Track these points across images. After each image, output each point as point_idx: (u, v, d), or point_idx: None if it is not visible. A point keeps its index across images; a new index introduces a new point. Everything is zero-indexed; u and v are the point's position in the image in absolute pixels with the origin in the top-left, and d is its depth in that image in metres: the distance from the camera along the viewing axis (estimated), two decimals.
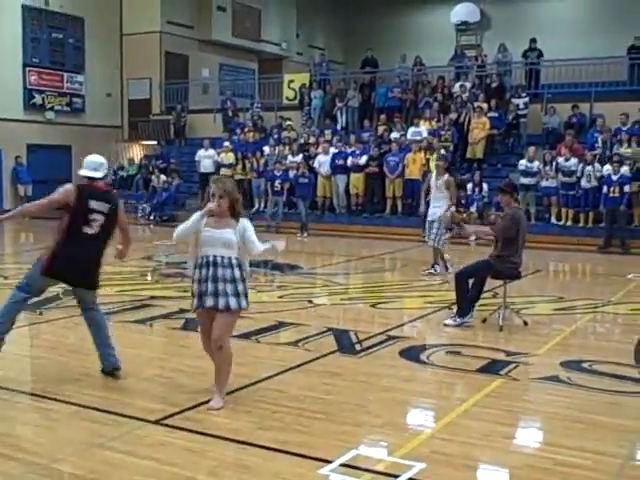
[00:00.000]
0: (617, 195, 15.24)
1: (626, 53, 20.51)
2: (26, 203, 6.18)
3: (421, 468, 4.34)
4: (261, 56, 29.03)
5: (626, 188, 15.22)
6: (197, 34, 26.38)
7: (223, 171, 20.29)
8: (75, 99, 24.52)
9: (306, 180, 18.18)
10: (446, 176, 11.56)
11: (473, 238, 16.00)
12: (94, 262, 5.98)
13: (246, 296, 5.37)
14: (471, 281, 8.09)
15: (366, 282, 11.65)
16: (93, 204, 5.81)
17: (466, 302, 8.01)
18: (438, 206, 11.38)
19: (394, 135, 19.18)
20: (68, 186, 5.89)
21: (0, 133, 21.54)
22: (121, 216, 6.08)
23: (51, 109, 23.74)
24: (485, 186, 17.04)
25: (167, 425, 4.99)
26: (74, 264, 5.80)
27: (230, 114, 23.36)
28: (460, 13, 28.43)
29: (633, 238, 15.46)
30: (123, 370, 6.11)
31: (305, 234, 17.40)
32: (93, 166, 5.99)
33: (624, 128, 17.01)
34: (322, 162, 18.86)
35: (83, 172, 5.98)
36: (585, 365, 6.63)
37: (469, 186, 17.17)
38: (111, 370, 6.01)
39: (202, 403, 5.40)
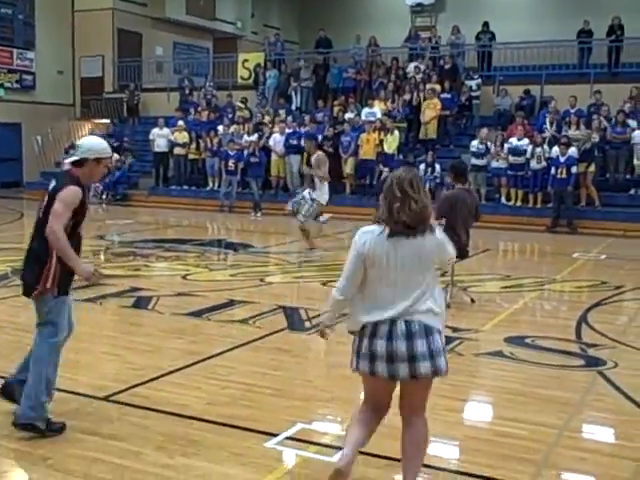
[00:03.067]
0: (564, 176, 15.55)
1: (576, 37, 20.83)
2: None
3: None
4: (216, 35, 28.80)
5: (573, 169, 15.52)
6: (150, 11, 26.04)
7: (177, 150, 20.20)
8: (25, 76, 24.07)
9: (258, 159, 18.19)
10: (316, 154, 11.60)
11: None
12: None
13: None
14: None
15: (319, 261, 11.74)
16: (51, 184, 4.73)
17: None
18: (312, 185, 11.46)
19: (348, 115, 19.24)
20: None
21: None
22: (57, 200, 4.49)
23: (0, 86, 23.28)
24: (437, 167, 17.22)
25: (116, 402, 5.03)
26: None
27: (187, 92, 23.19)
28: None
29: (580, 218, 15.80)
30: (74, 347, 6.09)
31: (258, 213, 17.43)
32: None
33: (572, 110, 17.31)
34: (277, 141, 18.83)
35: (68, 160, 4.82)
36: (528, 341, 6.82)
37: (422, 167, 17.32)
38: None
39: (151, 380, 5.44)
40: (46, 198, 4.57)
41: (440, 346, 3.58)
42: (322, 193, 11.45)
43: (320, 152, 11.82)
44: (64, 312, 4.64)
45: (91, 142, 4.72)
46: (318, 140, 11.86)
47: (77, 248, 4.62)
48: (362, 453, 4.28)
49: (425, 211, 3.53)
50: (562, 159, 15.62)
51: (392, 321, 3.53)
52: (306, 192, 11.54)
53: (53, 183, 4.60)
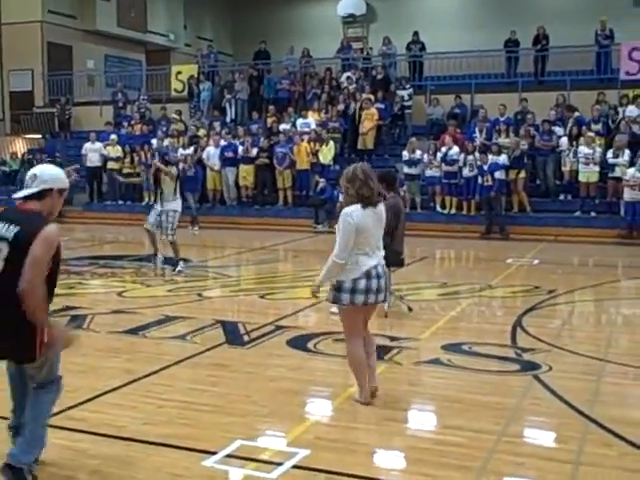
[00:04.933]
0: (490, 183, 15.84)
1: (503, 46, 21.29)
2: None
3: (305, 454, 4.43)
4: (148, 47, 28.50)
5: (497, 175, 15.81)
6: (81, 24, 25.61)
7: (110, 165, 19.90)
8: None
9: (194, 173, 18.02)
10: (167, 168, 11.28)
11: None
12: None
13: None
14: None
15: (257, 274, 11.70)
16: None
17: None
18: (172, 200, 11.17)
19: (283, 126, 19.26)
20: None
21: None
22: (34, 248, 3.77)
23: None
24: None
25: (48, 425, 4.88)
26: None
27: (121, 105, 22.89)
28: (347, 5, 28.68)
29: (512, 224, 16.09)
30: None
31: (196, 227, 17.28)
32: (27, 181, 4.05)
33: (502, 119, 17.65)
34: (212, 154, 18.71)
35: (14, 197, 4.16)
36: (465, 347, 6.89)
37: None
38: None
39: (85, 401, 5.32)
40: (3, 246, 3.79)
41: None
42: (178, 204, 11.26)
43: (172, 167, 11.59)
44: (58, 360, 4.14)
45: (53, 171, 4.09)
46: (164, 156, 12.05)
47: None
48: (302, 468, 4.27)
49: (377, 189, 5.30)
50: (485, 167, 15.93)
51: (375, 266, 5.20)
52: (158, 206, 11.20)
53: (11, 228, 3.82)
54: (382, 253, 5.33)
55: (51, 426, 4.81)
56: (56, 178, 4.05)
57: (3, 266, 3.78)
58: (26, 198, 3.97)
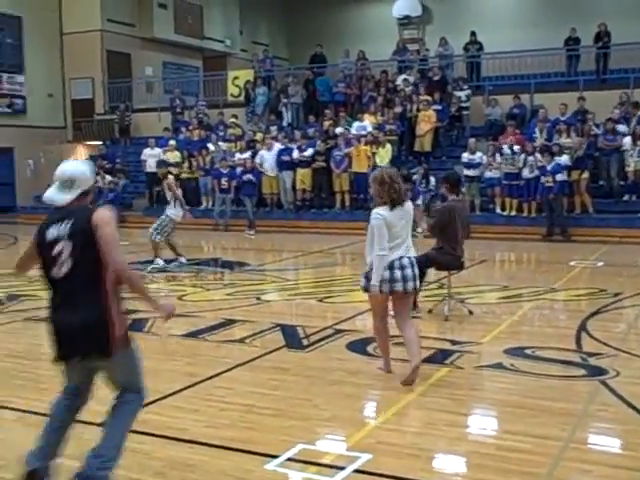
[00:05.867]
0: (551, 184, 15.54)
1: (563, 45, 20.92)
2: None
3: (367, 459, 4.39)
4: (205, 53, 28.88)
5: (558, 177, 15.51)
6: (139, 32, 26.13)
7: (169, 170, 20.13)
8: (16, 100, 24.07)
9: (251, 178, 18.11)
10: (166, 180, 12.57)
11: (420, 230, 16.19)
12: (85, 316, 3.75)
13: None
14: None
15: (315, 277, 11.70)
16: (52, 231, 3.80)
17: None
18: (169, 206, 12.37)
19: (339, 130, 19.25)
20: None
21: None
22: (99, 229, 3.71)
23: None
24: (432, 179, 17.19)
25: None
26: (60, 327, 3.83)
27: (179, 111, 23.19)
28: (402, 7, 28.63)
29: (575, 226, 15.76)
30: None
31: (252, 231, 17.36)
32: (60, 182, 3.90)
33: (563, 118, 17.34)
34: (265, 159, 18.76)
35: (46, 193, 3.96)
36: (528, 351, 6.76)
37: (415, 179, 17.31)
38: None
39: (148, 404, 5.35)
40: (64, 245, 3.71)
41: (417, 273, 5.97)
42: (176, 211, 12.25)
43: (170, 177, 12.81)
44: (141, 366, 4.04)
45: (84, 173, 3.95)
46: (167, 167, 13.16)
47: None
48: (364, 473, 4.23)
49: (403, 189, 5.89)
50: (548, 167, 15.63)
51: (401, 257, 5.80)
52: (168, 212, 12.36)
53: (64, 225, 3.75)
54: (410, 246, 5.90)
55: None
56: (89, 178, 3.97)
57: (72, 262, 3.71)
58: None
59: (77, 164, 4.05)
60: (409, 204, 5.93)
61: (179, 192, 12.58)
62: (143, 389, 4.06)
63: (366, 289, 5.88)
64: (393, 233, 5.74)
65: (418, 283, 6.01)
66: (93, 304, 3.72)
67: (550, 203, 15.67)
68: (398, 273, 5.74)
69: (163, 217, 12.30)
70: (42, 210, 22.07)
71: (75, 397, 4.08)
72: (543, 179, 15.75)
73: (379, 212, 5.74)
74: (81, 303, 3.72)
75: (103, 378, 4.00)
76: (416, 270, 5.89)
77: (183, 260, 12.30)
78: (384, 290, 5.77)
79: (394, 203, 5.75)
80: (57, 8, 25.24)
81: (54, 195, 3.87)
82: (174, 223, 12.28)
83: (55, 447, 4.02)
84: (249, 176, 18.05)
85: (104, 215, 3.77)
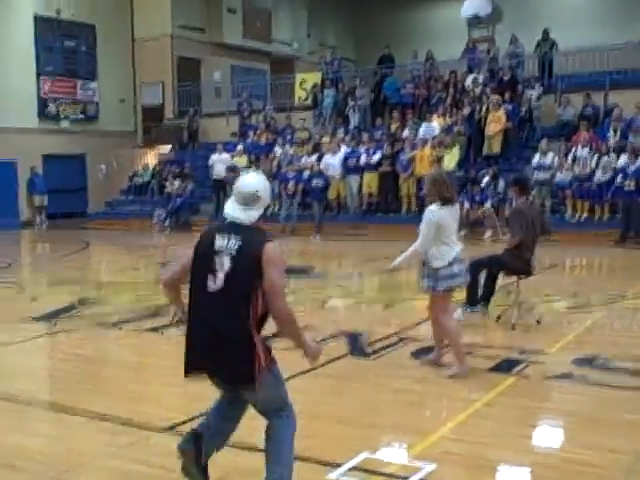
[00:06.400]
0: (632, 188, 15.05)
1: (639, 41, 20.28)
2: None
3: (432, 469, 4.33)
4: (272, 57, 29.06)
5: None
6: (209, 37, 26.50)
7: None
8: (89, 106, 24.73)
9: (319, 182, 18.04)
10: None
11: (488, 234, 15.95)
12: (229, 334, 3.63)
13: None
14: (484, 276, 8.07)
15: (380, 283, 11.62)
16: (218, 241, 3.69)
17: (475, 291, 8.00)
18: None
19: (406, 133, 19.09)
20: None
21: (15, 143, 21.73)
22: (268, 269, 3.57)
23: (66, 118, 23.92)
24: (501, 182, 16.87)
25: (178, 433, 5.00)
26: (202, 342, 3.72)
27: (246, 115, 23.38)
28: (471, 6, 28.23)
29: None
30: (138, 378, 6.12)
31: (317, 236, 17.32)
32: (242, 198, 3.73)
33: (639, 118, 16.80)
34: (329, 163, 18.73)
35: (227, 209, 3.78)
36: (599, 362, 6.57)
37: (484, 182, 17.04)
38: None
39: None
40: (225, 261, 3.60)
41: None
42: None
43: None
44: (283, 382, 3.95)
45: (267, 187, 3.80)
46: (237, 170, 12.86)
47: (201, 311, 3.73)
48: None
49: (454, 190, 6.28)
50: (631, 169, 15.11)
51: (458, 252, 6.07)
52: None
53: (232, 242, 3.62)
54: (460, 244, 6.21)
55: (182, 433, 4.93)
56: (269, 194, 3.85)
57: (224, 281, 3.60)
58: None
59: (260, 178, 3.85)
60: (457, 205, 6.32)
61: None
62: (288, 407, 3.94)
63: (433, 289, 6.13)
64: (447, 230, 6.04)
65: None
66: (238, 329, 3.62)
67: (629, 207, 15.18)
68: (456, 268, 6.07)
69: None
70: (113, 215, 22.66)
71: (229, 406, 3.99)
72: (620, 181, 15.24)
73: (433, 210, 6.07)
74: (226, 325, 3.61)
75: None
76: (465, 265, 6.27)
77: None
78: (454, 284, 6.14)
79: (446, 202, 6.04)
80: (129, 15, 25.81)
81: (239, 213, 3.71)
82: None
83: (210, 447, 3.96)
84: (317, 180, 18.03)
85: (276, 252, 3.63)
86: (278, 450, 3.83)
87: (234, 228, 3.67)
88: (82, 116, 24.47)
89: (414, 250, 6.15)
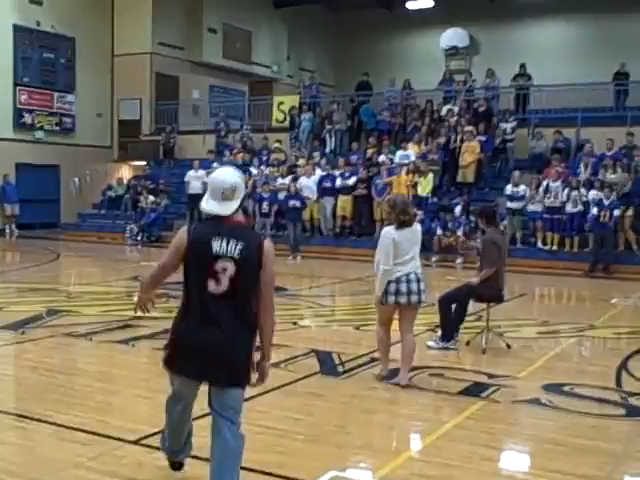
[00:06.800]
0: (606, 220, 15.30)
1: (612, 79, 20.73)
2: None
3: None
4: (252, 78, 29.16)
5: (615, 212, 15.30)
6: (188, 55, 26.54)
7: None
8: (65, 119, 24.55)
9: (298, 203, 18.04)
10: None
11: (459, 261, 16.11)
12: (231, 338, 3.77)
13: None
14: (454, 305, 8.12)
15: (352, 304, 11.66)
16: (216, 245, 3.75)
17: (449, 327, 8.04)
18: None
19: (382, 158, 19.26)
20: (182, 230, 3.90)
21: None
22: (267, 263, 3.81)
23: (40, 128, 23.75)
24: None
25: (146, 445, 4.97)
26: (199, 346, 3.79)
27: (223, 134, 23.43)
28: (449, 38, 28.70)
29: (617, 263, 15.53)
30: (107, 389, 6.07)
31: (297, 256, 17.26)
32: (221, 192, 3.80)
33: (609, 153, 17.14)
34: (304, 185, 18.78)
35: (204, 205, 3.86)
36: (567, 388, 6.64)
37: (457, 210, 17.23)
38: None
39: None
40: (229, 265, 3.68)
41: (424, 288, 6.53)
42: None
43: None
44: None
45: (241, 177, 3.93)
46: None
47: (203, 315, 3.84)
48: None
49: (412, 213, 6.74)
50: (606, 202, 15.37)
51: (408, 273, 6.42)
52: None
53: (233, 246, 3.70)
54: (418, 264, 6.56)
55: (148, 446, 4.92)
56: (243, 186, 3.92)
57: (228, 285, 3.68)
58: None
59: (233, 171, 3.96)
60: (418, 226, 6.71)
61: None
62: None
63: (375, 300, 6.56)
64: (401, 250, 6.39)
65: (423, 297, 6.51)
66: (241, 331, 3.77)
67: (602, 238, 15.42)
68: (404, 287, 6.36)
69: None
70: (86, 228, 22.52)
71: (180, 403, 4.08)
72: (596, 212, 15.48)
73: (389, 231, 6.48)
74: (231, 327, 3.73)
75: (214, 392, 3.86)
76: (422, 285, 6.47)
77: None
78: (389, 302, 6.40)
79: (402, 224, 6.43)
80: (109, 29, 25.76)
81: (217, 207, 3.79)
82: None
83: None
84: (294, 202, 18.05)
85: (271, 247, 3.83)
86: (233, 459, 3.86)
87: (232, 231, 3.76)
88: (58, 128, 24.32)
89: (383, 272, 6.37)
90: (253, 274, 3.74)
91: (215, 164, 20.45)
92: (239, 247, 3.70)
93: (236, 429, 3.84)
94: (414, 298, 6.42)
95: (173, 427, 4.18)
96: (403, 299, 6.38)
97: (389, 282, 6.35)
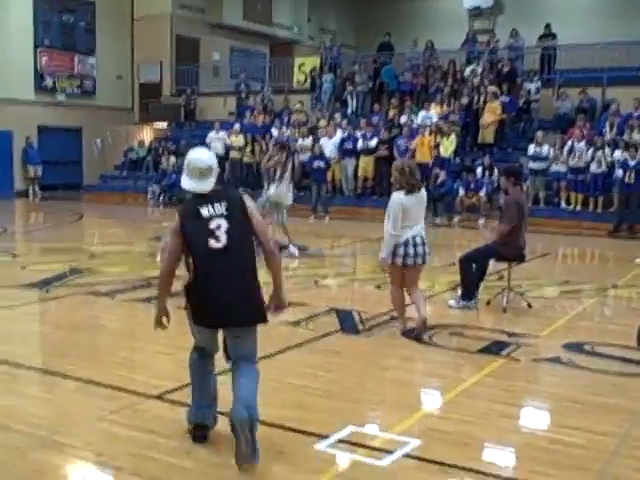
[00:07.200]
0: (632, 181, 15.09)
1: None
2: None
3: (416, 444, 4.37)
4: (272, 40, 28.94)
5: None
6: (208, 17, 26.37)
7: (233, 154, 20.31)
8: (86, 81, 24.60)
9: (322, 164, 17.98)
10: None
11: (482, 221, 16.02)
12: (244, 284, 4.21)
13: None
14: (475, 265, 8.10)
15: (373, 264, 11.63)
16: (204, 211, 4.16)
17: (470, 286, 8.02)
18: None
19: (404, 119, 19.11)
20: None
21: (11, 114, 21.64)
22: (253, 213, 4.28)
23: (62, 91, 23.80)
24: (495, 171, 16.94)
25: (168, 400, 5.04)
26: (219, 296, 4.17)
27: (244, 96, 23.35)
28: None
29: None
30: (129, 346, 6.14)
31: (327, 217, 17.25)
32: (198, 172, 4.23)
33: (636, 113, 16.83)
34: (325, 146, 18.71)
35: (184, 183, 4.28)
36: (587, 347, 6.62)
37: (479, 170, 17.10)
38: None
39: None
40: (220, 222, 4.11)
41: (428, 250, 6.86)
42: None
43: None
44: None
45: (212, 154, 4.49)
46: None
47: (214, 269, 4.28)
48: (413, 458, 4.21)
49: (419, 178, 6.88)
50: (632, 163, 15.16)
51: (414, 236, 6.70)
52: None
53: (219, 205, 4.15)
54: (422, 226, 6.83)
55: (171, 401, 5.00)
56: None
57: (227, 238, 4.11)
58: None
59: (206, 152, 4.47)
60: (423, 191, 6.89)
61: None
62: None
63: (382, 260, 6.87)
64: (409, 215, 6.65)
65: (427, 258, 6.86)
66: (249, 274, 4.19)
67: (627, 199, 15.26)
68: (411, 250, 6.66)
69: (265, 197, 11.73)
70: (108, 189, 22.64)
71: (209, 357, 4.44)
72: (621, 173, 15.31)
73: (398, 196, 6.68)
74: (240, 275, 4.16)
75: (233, 345, 4.24)
76: (426, 248, 6.80)
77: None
78: (398, 263, 6.69)
79: (411, 189, 6.64)
80: None
81: (198, 185, 4.22)
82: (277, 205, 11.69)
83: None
84: (319, 162, 17.98)
85: (251, 199, 4.34)
86: (252, 390, 4.21)
87: (211, 197, 4.20)
88: (79, 90, 24.36)
89: (390, 235, 6.65)
90: (244, 225, 4.18)
91: (236, 125, 20.47)
92: (224, 205, 4.16)
93: (255, 367, 4.32)
94: (419, 260, 6.73)
95: (201, 383, 4.42)
96: (410, 261, 6.68)
97: (397, 245, 6.64)
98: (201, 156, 4.32)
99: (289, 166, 11.65)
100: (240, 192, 4.38)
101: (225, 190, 4.41)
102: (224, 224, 4.12)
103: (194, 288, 4.19)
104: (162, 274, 4.32)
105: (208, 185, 4.22)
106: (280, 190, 11.51)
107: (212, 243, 4.10)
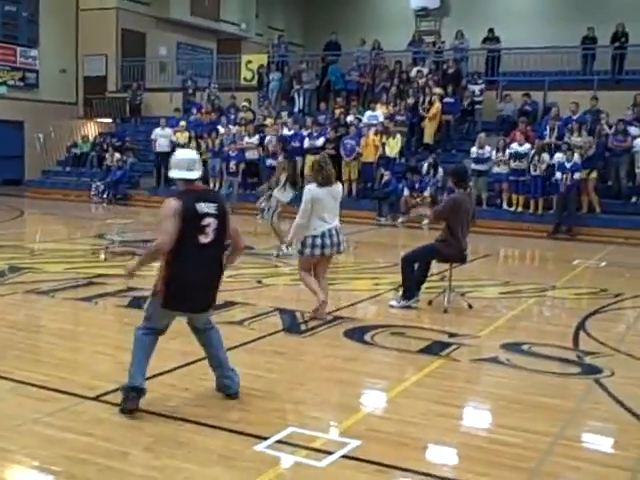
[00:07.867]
0: (569, 182, 15.48)
1: (580, 43, 20.78)
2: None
3: (356, 445, 4.40)
4: (220, 36, 28.78)
5: (576, 175, 15.48)
6: (155, 11, 26.07)
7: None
8: (28, 74, 24.09)
9: (273, 162, 17.88)
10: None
11: (426, 222, 16.17)
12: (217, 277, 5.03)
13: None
14: (417, 264, 8.19)
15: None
16: (199, 207, 4.79)
17: (411, 285, 8.11)
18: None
19: (350, 118, 19.20)
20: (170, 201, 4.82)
21: None
22: (228, 217, 5.02)
23: (3, 83, 23.28)
24: (440, 170, 17.17)
25: (106, 402, 4.98)
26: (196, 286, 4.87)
27: (190, 92, 23.17)
28: None
29: (580, 225, 15.76)
30: (69, 346, 6.05)
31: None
32: (186, 165, 4.93)
33: (574, 117, 17.24)
34: (272, 144, 18.66)
35: (175, 174, 4.95)
36: (525, 347, 6.75)
37: (423, 170, 17.28)
38: (231, 395, 5.14)
39: None
40: (211, 220, 4.79)
41: (343, 239, 7.38)
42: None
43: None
44: None
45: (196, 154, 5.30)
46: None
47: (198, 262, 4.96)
48: (352, 459, 4.24)
49: (332, 172, 7.33)
50: (568, 165, 15.54)
51: (330, 229, 7.17)
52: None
53: (213, 206, 4.83)
54: (337, 220, 7.30)
55: (108, 402, 4.94)
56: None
57: (214, 236, 4.81)
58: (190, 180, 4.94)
59: (189, 151, 5.52)
60: (339, 185, 7.45)
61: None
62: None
63: (300, 253, 7.34)
64: (323, 206, 7.13)
65: (342, 247, 7.39)
66: (220, 269, 4.99)
67: (565, 201, 15.59)
68: (328, 240, 7.14)
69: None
70: (50, 185, 22.21)
71: (158, 336, 5.04)
72: (560, 176, 15.64)
73: (310, 188, 7.18)
74: (215, 267, 4.95)
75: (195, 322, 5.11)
76: (341, 237, 7.28)
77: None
78: (316, 254, 7.18)
79: (322, 183, 7.10)
80: None
81: (188, 174, 4.91)
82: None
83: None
84: (271, 161, 17.93)
85: (227, 207, 5.13)
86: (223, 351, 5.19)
87: (205, 196, 4.91)
88: (21, 83, 23.85)
89: (296, 224, 7.27)
90: (225, 225, 4.90)
91: (182, 122, 20.32)
92: (214, 206, 4.84)
93: (215, 329, 5.21)
94: (334, 249, 7.29)
95: (148, 358, 4.95)
96: (328, 250, 7.22)
97: (314, 237, 7.13)
98: (188, 153, 5.29)
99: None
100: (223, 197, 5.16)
101: (214, 192, 5.43)
102: (213, 223, 4.80)
103: (176, 276, 4.75)
104: (158, 249, 4.76)
105: (195, 175, 4.92)
106: (288, 192, 12.38)
107: (201, 238, 4.77)
